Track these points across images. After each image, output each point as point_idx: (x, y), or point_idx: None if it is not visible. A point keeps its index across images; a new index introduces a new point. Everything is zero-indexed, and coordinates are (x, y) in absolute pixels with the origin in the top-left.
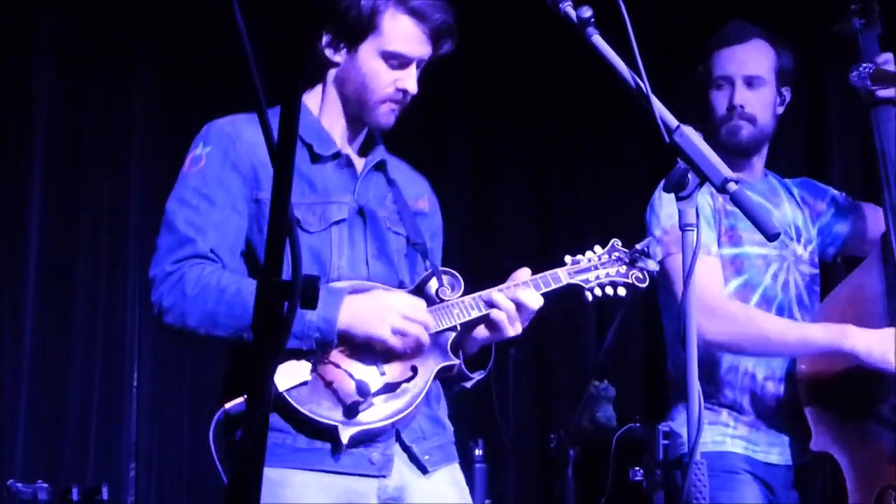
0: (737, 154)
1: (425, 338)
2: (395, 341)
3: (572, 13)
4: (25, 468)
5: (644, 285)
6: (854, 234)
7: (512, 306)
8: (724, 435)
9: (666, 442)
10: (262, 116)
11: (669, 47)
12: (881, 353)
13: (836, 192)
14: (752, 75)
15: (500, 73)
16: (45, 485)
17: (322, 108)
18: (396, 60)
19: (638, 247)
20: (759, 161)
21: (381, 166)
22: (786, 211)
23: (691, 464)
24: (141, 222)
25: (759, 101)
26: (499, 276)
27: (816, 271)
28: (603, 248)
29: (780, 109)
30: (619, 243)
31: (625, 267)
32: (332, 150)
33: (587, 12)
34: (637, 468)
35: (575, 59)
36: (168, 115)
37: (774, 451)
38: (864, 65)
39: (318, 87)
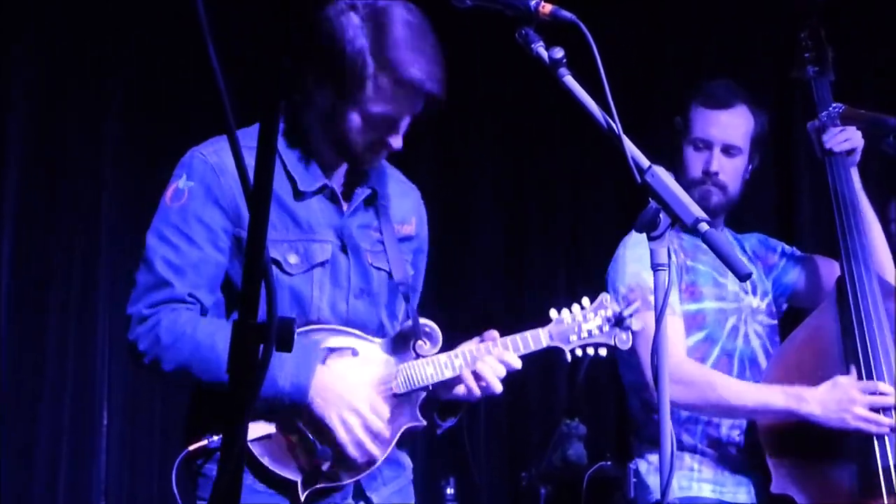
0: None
1: (375, 456)
2: (343, 441)
3: (544, 54)
4: None
5: (626, 347)
6: (806, 285)
7: (492, 376)
8: (690, 480)
9: (636, 480)
10: (240, 164)
11: (639, 87)
12: (835, 410)
13: (787, 246)
14: (731, 144)
15: (472, 92)
16: None
17: (309, 138)
18: (379, 119)
19: (626, 312)
20: (719, 220)
21: (370, 200)
22: None
23: None
24: (111, 262)
25: (733, 169)
26: (469, 297)
27: (775, 322)
28: (591, 301)
29: (748, 175)
30: (608, 299)
31: (608, 326)
32: (317, 183)
33: (559, 53)
34: None
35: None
36: (138, 149)
37: (742, 490)
38: (834, 105)
39: (306, 117)
